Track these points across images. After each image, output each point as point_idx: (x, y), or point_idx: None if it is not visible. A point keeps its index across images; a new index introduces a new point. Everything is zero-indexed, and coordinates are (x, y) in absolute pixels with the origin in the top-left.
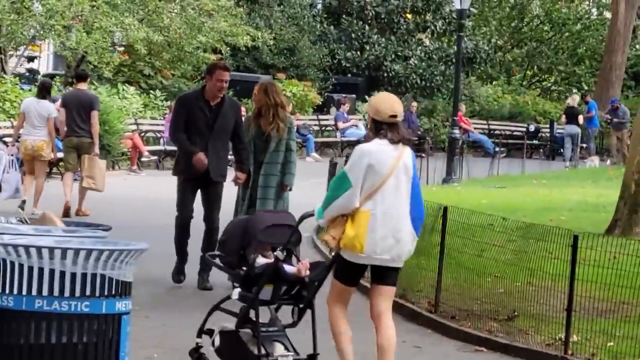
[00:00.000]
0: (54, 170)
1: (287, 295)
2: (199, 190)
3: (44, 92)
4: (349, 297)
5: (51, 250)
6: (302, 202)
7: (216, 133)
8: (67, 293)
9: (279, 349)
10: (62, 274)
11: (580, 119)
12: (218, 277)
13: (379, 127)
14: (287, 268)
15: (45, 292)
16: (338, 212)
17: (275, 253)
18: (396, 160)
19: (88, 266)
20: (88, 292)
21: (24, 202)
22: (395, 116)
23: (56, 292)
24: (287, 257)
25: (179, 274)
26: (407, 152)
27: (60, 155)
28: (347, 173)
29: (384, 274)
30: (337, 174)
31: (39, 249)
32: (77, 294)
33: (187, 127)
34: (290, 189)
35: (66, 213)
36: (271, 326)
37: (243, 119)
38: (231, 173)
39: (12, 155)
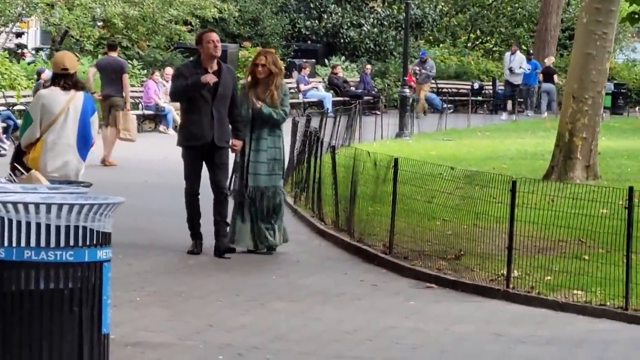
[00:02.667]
0: None
1: None
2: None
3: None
4: None
5: (37, 205)
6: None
7: (219, 99)
8: (52, 244)
9: None
10: (48, 227)
11: (555, 77)
12: None
13: (54, 77)
14: None
15: (33, 243)
16: (27, 141)
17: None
18: (66, 102)
19: (71, 219)
20: (72, 243)
21: None
22: (66, 69)
23: (43, 244)
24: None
25: (196, 247)
26: (78, 97)
27: None
28: (30, 112)
29: None
30: (25, 112)
31: (26, 204)
32: (62, 244)
33: (189, 96)
34: None
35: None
36: None
37: None
38: None
39: None
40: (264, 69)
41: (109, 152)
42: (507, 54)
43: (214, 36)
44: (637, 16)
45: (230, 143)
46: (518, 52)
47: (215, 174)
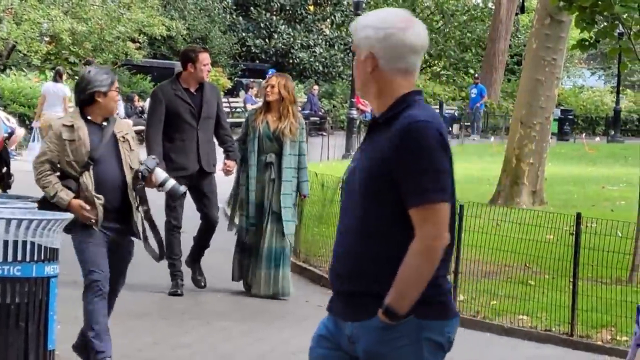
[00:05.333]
0: None
1: None
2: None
3: (57, 77)
4: None
5: None
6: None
7: (204, 121)
8: (0, 258)
9: None
10: None
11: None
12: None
13: None
14: None
15: None
16: None
17: None
18: None
19: (19, 234)
20: (19, 258)
21: None
22: None
23: None
24: None
25: (178, 287)
26: None
27: None
28: None
29: None
30: None
31: None
32: (10, 259)
33: (169, 120)
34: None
35: None
36: None
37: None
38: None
39: (36, 128)
40: (272, 90)
41: None
42: None
43: (209, 58)
44: (587, 43)
45: (222, 166)
46: None
47: (204, 205)
